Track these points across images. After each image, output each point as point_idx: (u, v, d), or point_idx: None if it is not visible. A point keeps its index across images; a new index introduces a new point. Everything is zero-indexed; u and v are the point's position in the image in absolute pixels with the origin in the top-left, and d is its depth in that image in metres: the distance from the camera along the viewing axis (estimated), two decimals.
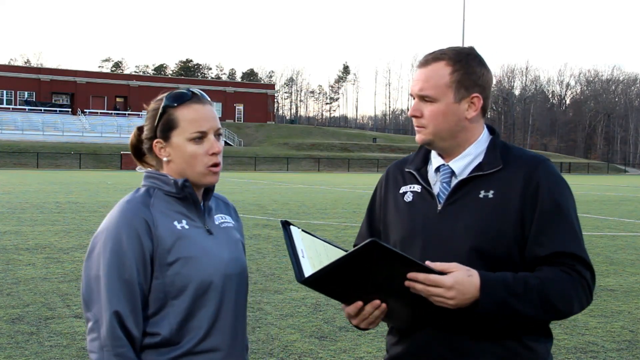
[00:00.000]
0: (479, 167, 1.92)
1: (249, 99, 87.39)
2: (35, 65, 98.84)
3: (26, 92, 76.81)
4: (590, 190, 32.87)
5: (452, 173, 1.95)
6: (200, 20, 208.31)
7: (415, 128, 1.96)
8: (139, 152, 2.04)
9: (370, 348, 5.43)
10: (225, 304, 1.91)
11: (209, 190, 1.99)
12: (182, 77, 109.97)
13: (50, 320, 6.04)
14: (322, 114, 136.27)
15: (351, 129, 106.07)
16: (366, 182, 36.64)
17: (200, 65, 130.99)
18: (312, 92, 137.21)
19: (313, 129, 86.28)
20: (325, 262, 1.73)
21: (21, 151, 55.57)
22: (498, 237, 1.84)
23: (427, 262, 1.73)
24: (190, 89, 1.96)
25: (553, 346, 1.96)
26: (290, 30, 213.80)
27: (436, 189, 1.96)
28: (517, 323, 1.82)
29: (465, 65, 1.90)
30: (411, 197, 1.99)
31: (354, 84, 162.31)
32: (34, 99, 75.85)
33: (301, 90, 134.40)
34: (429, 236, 1.90)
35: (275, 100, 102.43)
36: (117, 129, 67.19)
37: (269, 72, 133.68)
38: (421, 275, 1.69)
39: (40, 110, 72.51)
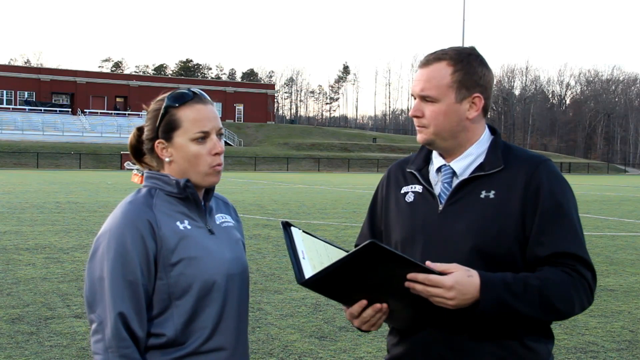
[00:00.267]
0: (480, 167, 1.92)
1: (249, 99, 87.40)
2: (35, 65, 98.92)
3: (26, 92, 76.82)
4: (590, 190, 32.86)
5: (454, 173, 1.95)
6: (200, 20, 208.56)
7: (417, 128, 1.95)
8: (138, 152, 2.03)
9: (370, 348, 5.43)
10: (228, 304, 1.91)
11: (209, 190, 1.99)
12: (182, 77, 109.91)
13: (50, 320, 6.03)
14: (322, 114, 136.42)
15: (351, 129, 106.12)
16: (366, 182, 36.62)
17: (200, 65, 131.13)
18: (312, 92, 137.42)
19: (313, 129, 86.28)
20: (326, 263, 1.73)
21: (21, 151, 55.59)
22: (499, 237, 1.83)
23: (427, 263, 1.73)
24: (191, 89, 1.96)
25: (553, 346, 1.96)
26: (290, 30, 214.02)
27: (437, 189, 1.96)
28: (518, 323, 1.82)
29: (466, 65, 1.89)
30: (412, 197, 1.98)
31: (354, 84, 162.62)
32: (34, 99, 75.86)
33: (301, 90, 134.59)
34: (430, 236, 1.90)
35: (275, 100, 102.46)
36: (117, 129, 67.21)
37: (269, 72, 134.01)
38: (421, 276, 1.68)
39: (40, 110, 72.52)
